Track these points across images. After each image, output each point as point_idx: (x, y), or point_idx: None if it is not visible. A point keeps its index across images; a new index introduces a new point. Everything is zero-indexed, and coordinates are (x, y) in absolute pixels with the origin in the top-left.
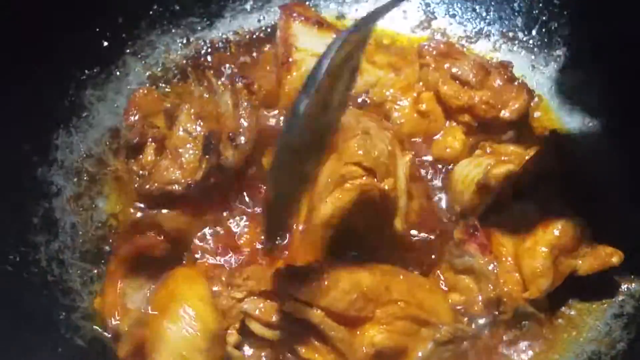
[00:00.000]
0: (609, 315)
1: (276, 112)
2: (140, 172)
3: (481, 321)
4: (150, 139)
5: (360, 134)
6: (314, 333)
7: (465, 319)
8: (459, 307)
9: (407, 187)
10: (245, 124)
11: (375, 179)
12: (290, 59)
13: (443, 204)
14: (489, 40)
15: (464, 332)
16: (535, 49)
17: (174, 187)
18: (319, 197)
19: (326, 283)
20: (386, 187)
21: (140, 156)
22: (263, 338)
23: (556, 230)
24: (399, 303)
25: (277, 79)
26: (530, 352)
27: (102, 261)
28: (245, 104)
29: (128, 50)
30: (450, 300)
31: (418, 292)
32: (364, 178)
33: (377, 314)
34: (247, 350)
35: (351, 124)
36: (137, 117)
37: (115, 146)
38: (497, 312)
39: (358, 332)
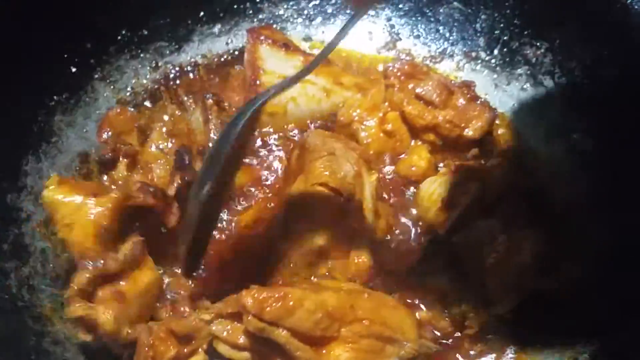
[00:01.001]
0: (571, 327)
1: None
2: (113, 187)
3: (447, 336)
4: (122, 155)
5: (326, 154)
6: (281, 354)
7: (430, 334)
8: (425, 324)
9: (374, 206)
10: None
11: (342, 199)
12: (258, 82)
13: (410, 222)
14: (453, 60)
15: (428, 347)
16: (498, 68)
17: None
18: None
19: (291, 303)
20: (352, 207)
21: (113, 172)
22: None
23: (520, 249)
24: (363, 321)
25: (245, 102)
26: None
27: None
28: (215, 120)
29: (97, 76)
30: (417, 317)
31: (382, 310)
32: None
33: (342, 333)
34: None
35: (317, 145)
36: (110, 134)
37: (85, 171)
38: (462, 327)
39: (324, 351)
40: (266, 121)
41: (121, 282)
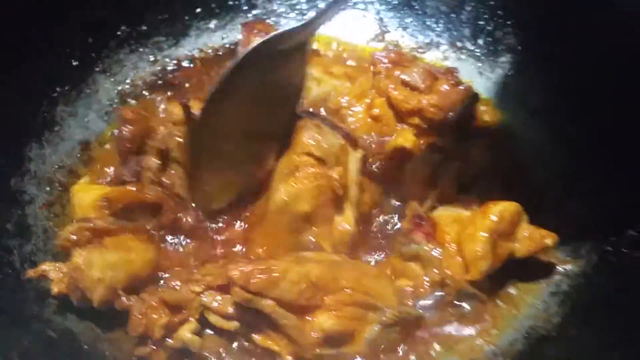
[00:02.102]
0: (546, 293)
1: None
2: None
3: (427, 303)
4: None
5: (312, 127)
6: (268, 322)
7: (411, 301)
8: (407, 291)
9: (359, 179)
10: None
11: (326, 168)
12: None
13: (395, 199)
14: (439, 49)
15: (409, 314)
16: (482, 57)
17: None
18: (275, 186)
19: (275, 275)
20: (335, 175)
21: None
22: (222, 329)
23: (493, 216)
24: (346, 290)
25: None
26: (473, 330)
27: None
28: None
29: (97, 69)
30: (399, 286)
31: (364, 279)
32: (315, 166)
33: (326, 302)
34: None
35: (305, 120)
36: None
37: (86, 158)
38: (442, 294)
39: (308, 319)
40: None
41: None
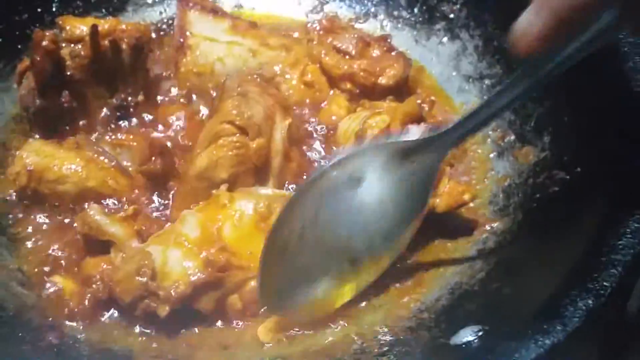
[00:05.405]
0: (473, 251)
1: None
2: None
3: None
4: None
5: (236, 95)
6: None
7: None
8: None
9: (285, 148)
10: None
11: (247, 138)
12: (185, 44)
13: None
14: (377, 19)
15: None
16: (418, 25)
17: None
18: (196, 152)
19: None
20: (254, 146)
21: None
22: None
23: None
24: None
25: (174, 62)
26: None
27: None
28: None
29: None
30: None
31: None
32: (236, 136)
33: None
34: None
35: (232, 86)
36: None
37: (19, 130)
38: None
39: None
40: (194, 81)
41: None
